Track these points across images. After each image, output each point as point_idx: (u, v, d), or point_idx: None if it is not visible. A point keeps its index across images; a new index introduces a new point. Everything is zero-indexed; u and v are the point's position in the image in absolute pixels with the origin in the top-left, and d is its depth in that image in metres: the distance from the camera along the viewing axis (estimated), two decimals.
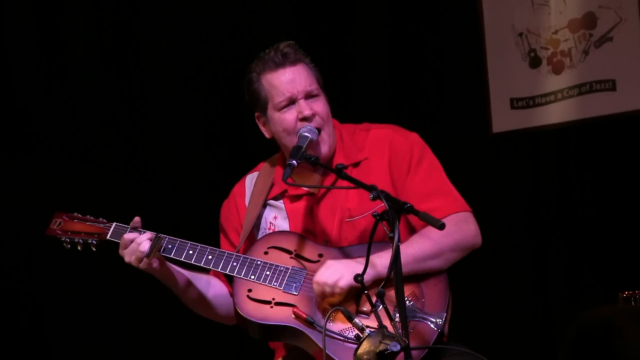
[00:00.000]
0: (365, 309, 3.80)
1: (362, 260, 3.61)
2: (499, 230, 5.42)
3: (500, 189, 5.60)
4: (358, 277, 3.54)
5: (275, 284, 3.89)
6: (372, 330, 3.45)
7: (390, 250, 3.45)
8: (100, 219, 4.04)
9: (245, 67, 4.08)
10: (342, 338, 3.76)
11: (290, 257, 3.94)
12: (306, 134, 3.93)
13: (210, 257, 3.95)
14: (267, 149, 4.21)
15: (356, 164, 4.03)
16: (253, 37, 5.84)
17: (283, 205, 4.09)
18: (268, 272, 3.90)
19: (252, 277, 3.90)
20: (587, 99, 5.54)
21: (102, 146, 5.98)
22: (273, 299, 3.87)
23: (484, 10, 5.75)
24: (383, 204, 3.50)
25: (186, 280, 4.04)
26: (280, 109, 3.99)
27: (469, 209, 3.98)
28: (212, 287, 4.11)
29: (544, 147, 5.62)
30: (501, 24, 5.74)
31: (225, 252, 3.96)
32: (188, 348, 5.88)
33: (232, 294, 3.98)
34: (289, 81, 3.98)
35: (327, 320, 3.75)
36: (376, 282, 3.74)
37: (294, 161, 3.84)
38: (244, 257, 3.94)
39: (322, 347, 3.67)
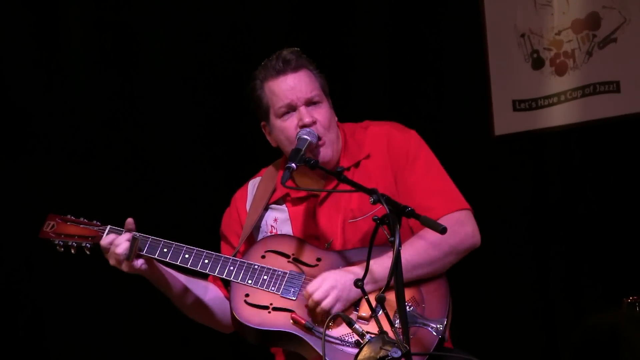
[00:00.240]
0: (365, 314, 3.77)
1: (360, 269, 3.61)
2: (501, 233, 5.42)
3: (502, 192, 5.59)
4: (358, 282, 3.52)
5: (273, 288, 3.87)
6: (372, 336, 3.43)
7: (388, 254, 3.44)
8: (94, 222, 4.01)
9: (244, 67, 4.09)
10: (341, 342, 3.74)
11: (288, 261, 3.92)
12: (305, 136, 3.92)
13: (206, 261, 3.93)
14: (267, 148, 4.19)
15: (357, 164, 4.02)
16: (253, 37, 5.86)
17: (286, 208, 4.08)
18: (266, 277, 3.88)
19: (250, 281, 3.88)
20: (590, 101, 5.51)
21: (102, 146, 5.98)
22: (271, 304, 3.85)
23: (485, 10, 5.73)
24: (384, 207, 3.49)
25: (182, 285, 4.02)
26: (280, 116, 4.00)
27: (466, 206, 3.95)
28: (210, 293, 4.09)
29: (546, 149, 5.61)
30: (503, 25, 5.72)
31: (222, 256, 3.94)
32: (186, 352, 5.86)
33: (229, 299, 3.95)
34: (289, 88, 3.98)
35: (326, 327, 3.72)
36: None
37: (293, 164, 3.84)
38: (240, 261, 3.92)
39: (321, 353, 3.65)
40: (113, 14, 6.02)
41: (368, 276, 3.62)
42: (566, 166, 5.56)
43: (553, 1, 5.62)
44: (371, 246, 3.52)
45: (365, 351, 3.35)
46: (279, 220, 4.06)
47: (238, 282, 3.88)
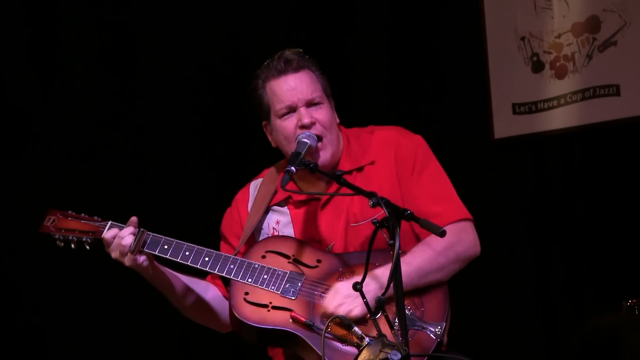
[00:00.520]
0: (364, 317, 3.75)
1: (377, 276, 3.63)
2: (502, 237, 5.43)
3: (502, 196, 5.59)
4: (357, 285, 3.52)
5: (272, 287, 3.87)
6: (371, 338, 3.43)
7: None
8: (95, 217, 4.00)
9: (244, 67, 4.09)
10: (340, 342, 3.72)
11: (288, 262, 3.92)
12: (305, 140, 3.92)
13: (207, 259, 3.93)
14: (266, 148, 4.18)
15: (360, 169, 4.02)
16: (253, 38, 5.86)
17: (288, 211, 4.08)
18: (266, 276, 3.88)
19: (250, 280, 3.88)
20: (590, 104, 5.51)
21: (101, 146, 5.98)
22: (270, 302, 3.85)
23: (485, 13, 5.73)
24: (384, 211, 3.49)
25: (183, 284, 4.02)
26: (280, 116, 3.99)
27: (470, 217, 3.97)
28: (210, 292, 4.09)
29: (546, 153, 5.61)
30: (503, 28, 5.72)
31: (222, 255, 3.94)
32: (186, 352, 5.86)
33: (228, 298, 3.94)
34: (289, 88, 3.98)
35: (326, 328, 3.71)
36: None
37: (293, 167, 3.84)
38: (241, 260, 3.92)
39: (320, 353, 3.64)
40: (112, 14, 6.02)
41: (376, 281, 3.64)
42: (566, 169, 5.56)
43: (553, 4, 5.62)
44: (370, 249, 3.52)
45: (365, 353, 3.36)
46: (282, 223, 4.06)
47: (238, 281, 3.87)
